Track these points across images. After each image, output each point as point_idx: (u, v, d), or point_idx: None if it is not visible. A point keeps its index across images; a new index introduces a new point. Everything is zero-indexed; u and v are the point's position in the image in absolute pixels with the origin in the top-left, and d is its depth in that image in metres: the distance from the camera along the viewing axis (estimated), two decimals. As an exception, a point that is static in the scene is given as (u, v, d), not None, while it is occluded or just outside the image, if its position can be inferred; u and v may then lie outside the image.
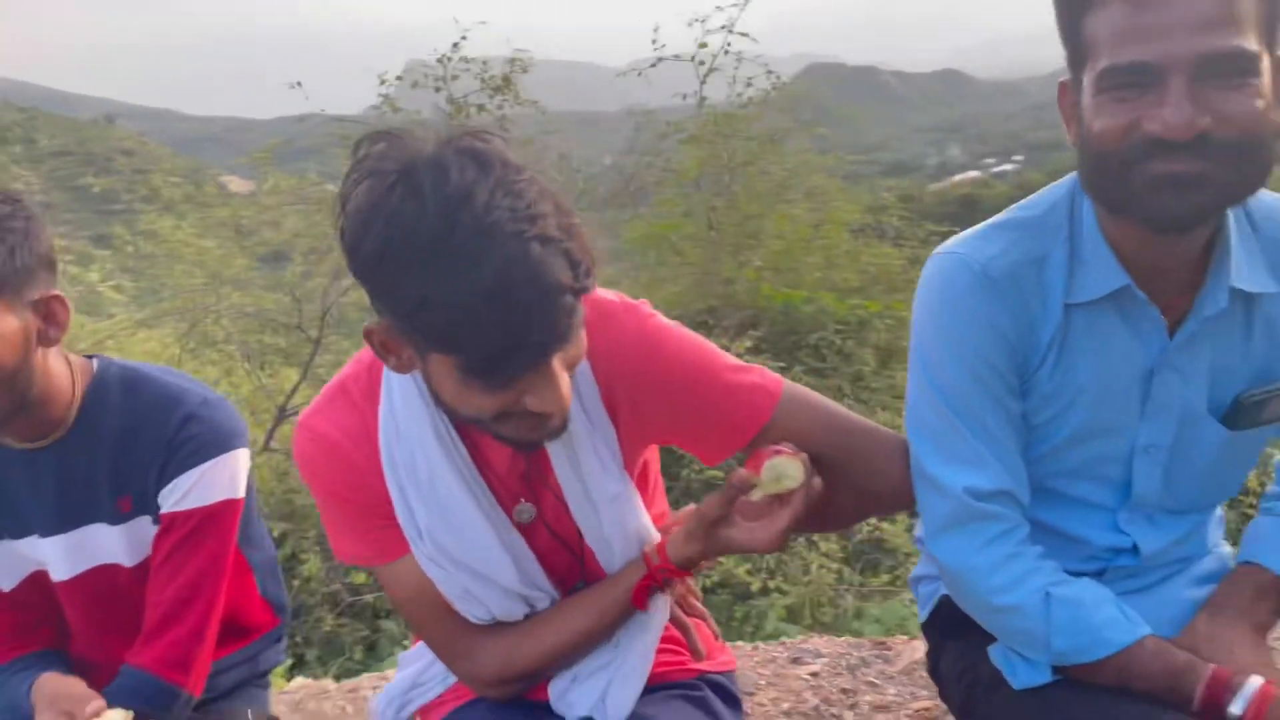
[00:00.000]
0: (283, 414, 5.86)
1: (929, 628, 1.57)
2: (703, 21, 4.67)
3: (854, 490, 1.33)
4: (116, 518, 1.50)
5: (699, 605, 1.53)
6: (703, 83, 4.98)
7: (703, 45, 4.86)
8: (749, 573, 4.44)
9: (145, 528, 1.51)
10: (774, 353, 5.08)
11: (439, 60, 5.09)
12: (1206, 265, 1.22)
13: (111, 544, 1.52)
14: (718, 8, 4.65)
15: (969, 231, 1.31)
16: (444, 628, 1.32)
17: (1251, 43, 1.04)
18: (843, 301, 5.54)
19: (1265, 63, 1.07)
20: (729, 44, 4.87)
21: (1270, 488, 1.44)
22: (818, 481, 1.23)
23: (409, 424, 1.22)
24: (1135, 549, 1.35)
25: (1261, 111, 1.06)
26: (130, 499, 1.49)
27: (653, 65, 5.06)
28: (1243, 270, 1.22)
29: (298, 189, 6.87)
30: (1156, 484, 1.32)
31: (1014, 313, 1.24)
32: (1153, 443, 1.30)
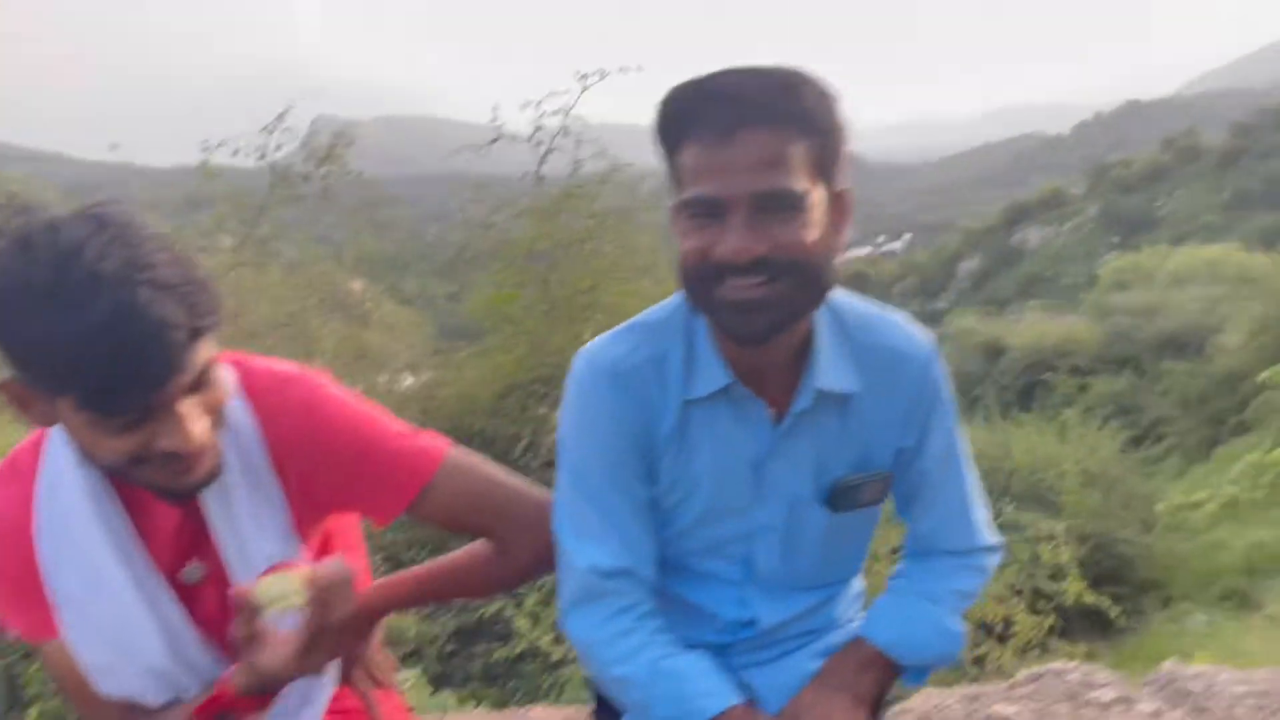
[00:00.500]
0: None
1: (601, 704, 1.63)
2: (538, 104, 4.97)
3: (506, 555, 1.42)
4: None
5: (389, 677, 1.58)
6: (541, 161, 5.22)
7: (538, 128, 5.13)
8: (552, 642, 4.51)
9: None
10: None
11: (262, 129, 5.23)
12: (803, 366, 1.37)
13: None
14: (551, 93, 4.96)
15: (605, 334, 1.43)
16: (97, 710, 1.30)
17: (800, 183, 1.20)
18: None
19: (815, 197, 1.23)
20: (565, 127, 5.15)
21: (897, 566, 1.58)
22: (346, 593, 1.21)
23: (64, 487, 1.22)
24: (754, 622, 1.48)
25: (813, 239, 1.22)
26: None
27: (492, 142, 5.28)
28: (830, 372, 1.36)
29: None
30: (775, 561, 1.45)
31: (637, 406, 1.36)
32: (767, 524, 1.42)
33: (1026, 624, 4.44)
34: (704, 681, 1.34)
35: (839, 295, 1.43)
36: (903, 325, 1.45)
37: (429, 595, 1.56)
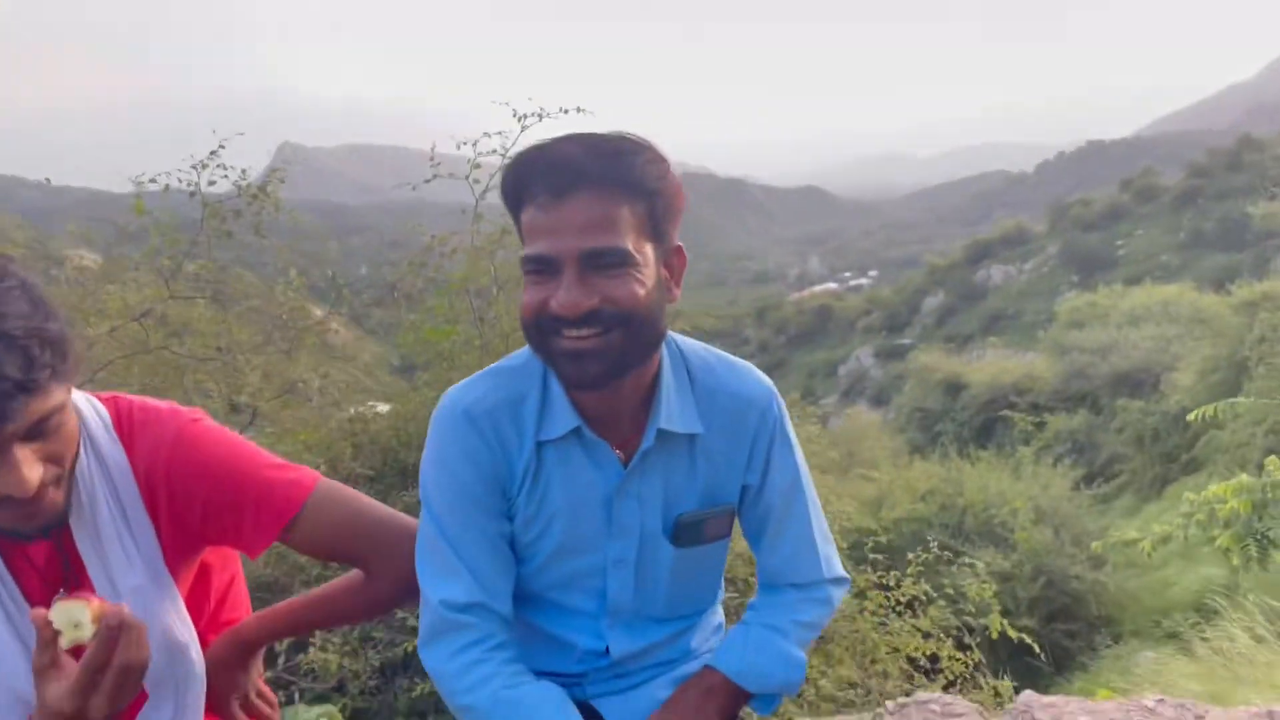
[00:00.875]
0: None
1: None
2: (474, 144, 4.93)
3: (375, 581, 1.49)
4: None
5: (269, 713, 1.60)
6: (478, 200, 5.20)
7: (476, 166, 5.11)
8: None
9: None
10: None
11: (192, 166, 5.17)
12: (650, 409, 1.45)
13: None
14: (489, 134, 4.92)
15: (468, 378, 1.50)
16: None
17: (627, 242, 1.30)
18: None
19: (646, 255, 1.33)
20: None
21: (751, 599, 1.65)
22: (135, 639, 1.15)
23: None
24: (607, 652, 1.55)
25: (643, 293, 1.32)
26: None
27: (427, 181, 5.26)
28: (673, 415, 1.45)
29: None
30: (629, 594, 1.53)
31: (491, 447, 1.44)
32: (620, 558, 1.51)
33: (953, 660, 4.42)
34: (543, 710, 1.39)
35: (687, 343, 1.54)
36: (743, 370, 1.55)
37: (304, 624, 1.61)
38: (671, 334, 1.50)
